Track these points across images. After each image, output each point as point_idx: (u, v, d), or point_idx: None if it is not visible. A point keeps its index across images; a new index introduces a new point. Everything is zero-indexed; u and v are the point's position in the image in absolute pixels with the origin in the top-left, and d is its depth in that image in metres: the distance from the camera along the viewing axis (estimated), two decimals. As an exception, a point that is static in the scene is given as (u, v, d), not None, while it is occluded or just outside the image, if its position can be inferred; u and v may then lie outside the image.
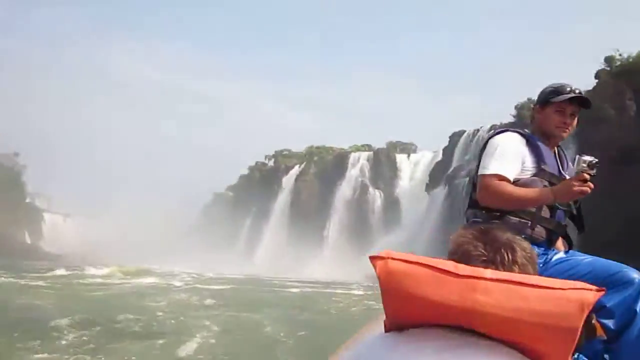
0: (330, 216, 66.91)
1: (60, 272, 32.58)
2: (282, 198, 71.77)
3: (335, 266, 57.17)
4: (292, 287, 32.13)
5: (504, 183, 2.46)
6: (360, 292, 29.02)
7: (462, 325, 1.05)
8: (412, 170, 67.83)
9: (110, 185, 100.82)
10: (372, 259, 1.12)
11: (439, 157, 61.05)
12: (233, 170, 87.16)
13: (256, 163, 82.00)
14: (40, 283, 25.38)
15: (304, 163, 73.50)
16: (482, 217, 2.51)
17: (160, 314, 16.53)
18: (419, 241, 50.84)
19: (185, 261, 53.25)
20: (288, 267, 55.32)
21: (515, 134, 2.61)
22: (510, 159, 2.50)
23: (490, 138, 2.64)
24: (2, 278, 26.38)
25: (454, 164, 54.77)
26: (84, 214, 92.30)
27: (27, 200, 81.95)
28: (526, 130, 2.67)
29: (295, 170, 73.18)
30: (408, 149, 72.39)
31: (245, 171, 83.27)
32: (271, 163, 79.51)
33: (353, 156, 70.49)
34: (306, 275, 48.75)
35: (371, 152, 70.67)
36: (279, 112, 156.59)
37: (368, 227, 64.09)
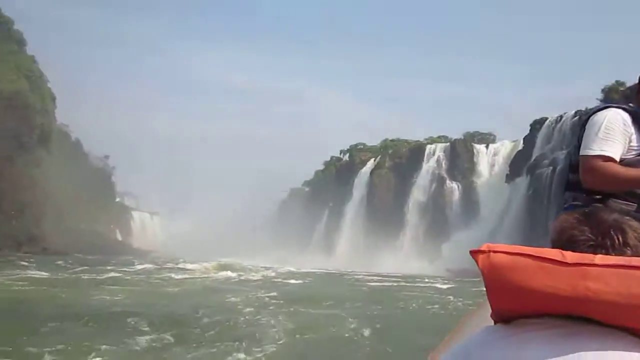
0: (406, 210, 66.01)
1: (143, 267, 34.11)
2: (358, 192, 71.45)
3: (414, 260, 56.54)
4: (371, 282, 32.03)
5: (611, 164, 2.28)
6: (442, 286, 28.46)
7: (573, 313, 1.03)
8: (491, 161, 65.61)
9: (193, 184, 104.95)
10: (473, 253, 1.09)
11: (520, 146, 58.84)
12: (309, 166, 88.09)
13: (331, 158, 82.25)
14: (126, 277, 26.59)
15: (379, 157, 72.83)
16: (582, 200, 2.35)
17: (239, 310, 16.78)
18: (499, 233, 49.29)
19: (263, 256, 54.40)
20: (366, 262, 55.10)
21: (620, 110, 2.37)
22: (615, 138, 2.31)
23: (591, 115, 2.42)
24: (85, 275, 27.70)
25: (536, 153, 52.60)
26: (169, 212, 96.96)
27: (117, 200, 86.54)
28: (631, 104, 2.42)
29: (371, 164, 72.56)
30: (486, 139, 69.99)
31: (321, 166, 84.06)
32: (346, 158, 79.49)
33: (429, 148, 68.97)
34: (385, 269, 48.45)
35: (448, 144, 68.83)
36: (353, 106, 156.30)
37: (446, 220, 62.81)
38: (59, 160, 63.33)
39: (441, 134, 72.67)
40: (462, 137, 69.30)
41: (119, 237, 78.93)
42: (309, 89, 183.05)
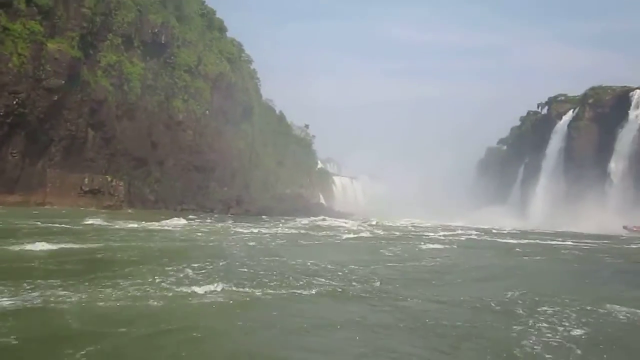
0: (611, 163, 59.42)
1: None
2: (554, 147, 66.54)
3: (621, 218, 51.17)
4: (568, 242, 30.17)
5: None
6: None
7: None
8: None
9: (389, 147, 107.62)
10: None
11: None
12: (506, 123, 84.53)
13: (528, 113, 77.79)
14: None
15: (578, 107, 66.34)
16: None
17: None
18: None
19: (459, 217, 53.96)
20: (565, 221, 51.67)
21: None
22: None
23: None
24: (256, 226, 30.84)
25: None
26: (369, 176, 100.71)
27: (319, 166, 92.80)
28: None
29: (569, 115, 66.76)
30: None
31: (517, 122, 80.00)
32: (544, 111, 74.28)
33: (638, 93, 60.66)
34: (587, 229, 45.33)
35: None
36: (554, 55, 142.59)
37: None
38: (264, 132, 70.33)
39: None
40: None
41: (323, 201, 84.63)
42: (500, 38, 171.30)
